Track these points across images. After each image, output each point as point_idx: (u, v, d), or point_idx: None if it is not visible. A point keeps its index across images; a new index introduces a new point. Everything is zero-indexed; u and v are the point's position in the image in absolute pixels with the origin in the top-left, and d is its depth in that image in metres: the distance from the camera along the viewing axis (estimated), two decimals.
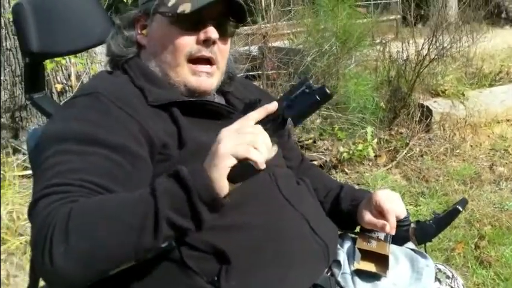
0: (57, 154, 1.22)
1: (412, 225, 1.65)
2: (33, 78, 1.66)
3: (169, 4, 1.40)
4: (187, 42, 1.41)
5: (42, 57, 1.65)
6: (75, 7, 1.69)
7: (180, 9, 1.37)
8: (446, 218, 1.67)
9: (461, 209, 1.65)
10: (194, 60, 1.42)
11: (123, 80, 1.43)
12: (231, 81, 1.59)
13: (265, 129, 1.16)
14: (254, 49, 5.85)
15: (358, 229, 1.68)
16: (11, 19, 4.29)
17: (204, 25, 1.41)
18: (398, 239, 1.63)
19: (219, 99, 1.56)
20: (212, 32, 1.41)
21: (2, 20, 4.61)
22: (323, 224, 1.50)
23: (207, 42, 1.41)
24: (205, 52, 1.42)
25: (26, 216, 3.30)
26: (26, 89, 1.67)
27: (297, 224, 1.40)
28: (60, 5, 1.68)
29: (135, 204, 1.12)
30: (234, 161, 1.09)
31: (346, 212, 1.65)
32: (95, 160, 1.21)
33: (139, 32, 1.48)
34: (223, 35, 1.45)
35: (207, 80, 1.44)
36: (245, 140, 1.11)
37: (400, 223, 1.60)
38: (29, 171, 3.86)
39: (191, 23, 1.40)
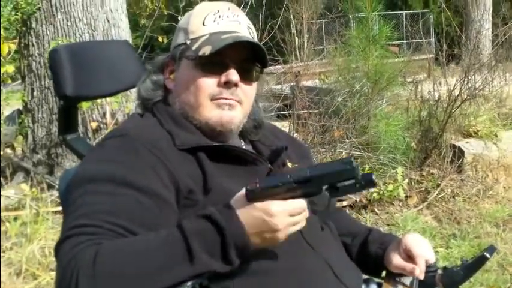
0: (86, 194, 1.25)
1: (439, 271, 1.62)
2: (67, 120, 1.70)
3: (194, 48, 1.45)
4: (209, 84, 1.44)
5: (76, 101, 1.70)
6: (109, 53, 1.75)
7: (201, 52, 1.42)
8: (473, 265, 1.64)
9: (489, 257, 1.63)
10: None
11: (153, 122, 1.46)
12: (257, 129, 1.60)
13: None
14: (286, 88, 5.91)
15: (383, 274, 1.67)
16: None
17: (225, 68, 1.44)
18: (425, 285, 1.61)
19: (247, 147, 1.58)
20: (233, 75, 1.43)
21: (42, 60, 4.77)
22: (347, 270, 1.49)
23: (228, 85, 1.44)
24: (226, 94, 1.44)
25: None
26: (60, 131, 1.71)
27: (320, 270, 1.40)
28: (95, 51, 1.75)
29: (164, 243, 1.15)
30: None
31: (374, 255, 1.64)
32: (124, 202, 1.24)
33: (167, 76, 1.52)
34: (246, 78, 1.48)
35: (229, 113, 1.46)
36: (292, 228, 1.21)
37: (427, 269, 1.59)
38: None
39: (213, 65, 1.44)
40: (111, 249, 1.14)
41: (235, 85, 1.44)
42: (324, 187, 1.23)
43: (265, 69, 1.55)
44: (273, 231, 1.18)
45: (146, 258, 1.13)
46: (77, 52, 1.65)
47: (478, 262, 1.64)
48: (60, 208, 3.99)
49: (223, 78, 1.43)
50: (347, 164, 1.22)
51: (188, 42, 1.47)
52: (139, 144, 1.33)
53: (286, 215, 1.19)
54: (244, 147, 1.56)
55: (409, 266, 1.52)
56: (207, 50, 1.40)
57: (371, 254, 1.65)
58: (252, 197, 1.19)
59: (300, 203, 1.22)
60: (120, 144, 1.34)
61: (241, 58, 1.46)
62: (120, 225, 1.20)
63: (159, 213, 1.26)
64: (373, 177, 1.25)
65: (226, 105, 1.45)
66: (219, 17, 1.48)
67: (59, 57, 1.58)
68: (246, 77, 1.47)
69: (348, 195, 1.36)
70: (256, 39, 1.53)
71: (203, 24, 1.47)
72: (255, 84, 1.52)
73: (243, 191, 1.22)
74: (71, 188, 1.32)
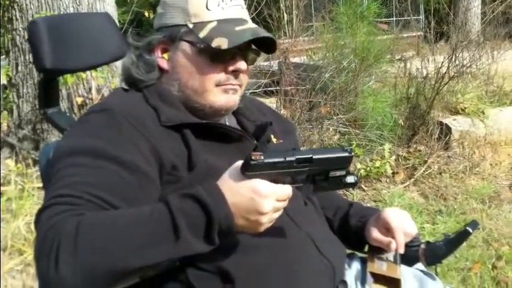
0: (67, 167, 1.25)
1: (422, 246, 1.63)
2: (47, 94, 1.68)
3: (201, 35, 1.41)
4: (217, 72, 1.43)
5: (56, 74, 1.68)
6: (89, 25, 1.72)
7: (215, 44, 1.38)
8: (456, 240, 1.66)
9: (471, 231, 1.64)
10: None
11: (137, 98, 1.44)
12: (241, 99, 1.60)
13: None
14: (274, 64, 5.88)
15: (366, 249, 1.68)
16: None
17: (234, 57, 1.43)
18: (408, 260, 1.62)
19: (230, 120, 1.57)
20: (241, 64, 1.44)
21: (26, 34, 4.70)
22: (330, 244, 1.49)
23: (236, 73, 1.45)
24: (233, 81, 1.45)
25: None
26: (40, 105, 1.70)
27: (303, 244, 1.40)
28: (75, 23, 1.71)
29: (149, 219, 1.14)
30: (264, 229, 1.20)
31: (355, 229, 1.65)
32: (105, 175, 1.23)
33: (159, 55, 1.48)
34: (248, 63, 1.48)
35: (233, 97, 1.47)
36: (275, 215, 1.21)
37: (410, 243, 1.59)
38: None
39: (222, 55, 1.42)
40: (94, 221, 1.13)
41: (241, 72, 1.45)
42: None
43: None
44: (258, 213, 1.17)
45: (130, 232, 1.12)
46: (56, 24, 1.63)
47: (461, 237, 1.66)
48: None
49: (231, 67, 1.43)
50: (347, 152, 1.27)
51: (190, 25, 1.43)
52: (123, 119, 1.32)
53: (274, 198, 1.18)
54: (227, 122, 1.55)
55: (386, 239, 1.54)
56: (223, 44, 1.38)
57: (351, 227, 1.66)
58: (252, 168, 1.17)
59: (287, 190, 1.21)
60: (103, 119, 1.33)
61: (247, 46, 1.45)
62: (100, 197, 1.19)
63: (140, 188, 1.26)
64: (355, 180, 1.33)
65: (231, 89, 1.46)
66: (222, 0, 1.44)
67: (38, 29, 1.55)
68: (248, 62, 1.48)
69: (326, 190, 1.39)
70: None
71: (207, 8, 1.43)
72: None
73: (235, 165, 1.20)
74: (52, 162, 1.32)
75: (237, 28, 1.41)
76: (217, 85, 1.44)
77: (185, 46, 1.44)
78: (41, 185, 3.86)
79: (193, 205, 1.14)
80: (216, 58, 1.42)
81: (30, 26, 1.57)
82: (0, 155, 4.57)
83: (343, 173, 1.30)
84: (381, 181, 4.65)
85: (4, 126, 5.05)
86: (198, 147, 1.37)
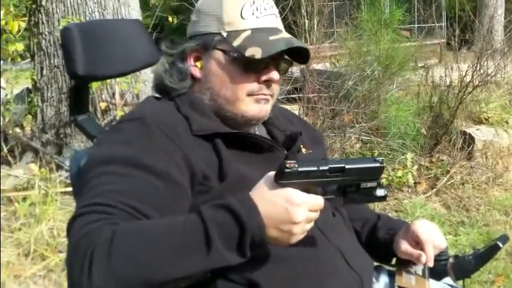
0: (101, 175, 1.25)
1: (451, 260, 1.61)
2: (78, 100, 1.68)
3: (235, 44, 1.41)
4: (249, 81, 1.43)
5: (88, 80, 1.68)
6: (121, 32, 1.72)
7: (248, 53, 1.38)
8: (486, 254, 1.63)
9: (501, 246, 1.62)
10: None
11: (169, 106, 1.44)
12: (272, 109, 1.60)
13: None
14: (296, 71, 5.87)
15: (394, 261, 1.66)
16: (59, 38, 4.43)
17: (267, 67, 1.43)
18: (436, 274, 1.60)
19: (260, 130, 1.57)
20: (274, 74, 1.44)
21: (52, 38, 4.75)
22: (358, 257, 1.48)
23: (268, 83, 1.44)
24: (265, 91, 1.45)
25: (66, 233, 3.37)
26: (71, 111, 1.69)
27: (332, 257, 1.39)
28: (107, 30, 1.71)
29: (182, 230, 1.13)
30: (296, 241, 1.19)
31: (383, 241, 1.63)
32: (138, 184, 1.23)
33: (192, 63, 1.48)
34: (280, 73, 1.48)
35: (265, 106, 1.47)
36: (308, 226, 1.20)
37: (438, 257, 1.57)
38: (71, 188, 3.92)
39: (255, 65, 1.42)
40: (128, 230, 1.13)
41: (273, 82, 1.45)
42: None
43: None
44: (291, 223, 1.15)
45: (163, 242, 1.11)
46: (89, 31, 1.63)
47: (491, 251, 1.63)
48: (69, 189, 3.99)
49: (264, 77, 1.43)
50: (378, 162, 1.26)
51: (224, 34, 1.43)
52: (156, 128, 1.32)
53: (307, 208, 1.17)
54: (257, 131, 1.55)
55: (415, 252, 1.52)
56: (256, 53, 1.37)
57: (380, 239, 1.64)
58: (286, 177, 1.16)
59: (320, 200, 1.20)
60: (136, 127, 1.33)
61: (280, 55, 1.45)
62: (133, 206, 1.19)
63: (173, 197, 1.26)
64: (385, 193, 1.33)
65: (263, 100, 1.45)
66: (257, 9, 1.44)
67: (71, 35, 1.55)
68: (280, 71, 1.47)
69: (356, 203, 1.40)
70: None
71: (241, 17, 1.43)
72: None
73: (268, 175, 1.20)
74: (85, 170, 1.32)
75: (271, 37, 1.41)
76: (250, 95, 1.43)
77: (218, 55, 1.44)
78: (64, 190, 3.93)
79: (226, 216, 1.14)
80: (249, 67, 1.42)
81: (63, 32, 1.57)
82: (24, 159, 4.62)
83: (374, 184, 1.29)
84: (402, 191, 4.62)
85: (28, 130, 5.10)
86: (229, 156, 1.37)
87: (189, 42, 1.48)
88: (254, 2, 1.44)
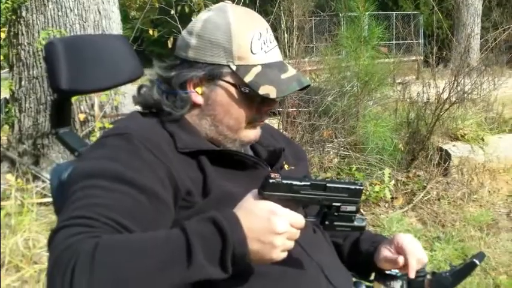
0: (84, 189, 1.25)
1: (428, 276, 1.63)
2: (60, 114, 1.67)
3: (247, 80, 1.41)
4: (252, 112, 1.46)
5: (70, 94, 1.68)
6: (105, 47, 1.72)
7: (262, 91, 1.39)
8: (463, 271, 1.65)
9: (478, 263, 1.64)
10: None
11: (154, 122, 1.45)
12: None
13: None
14: None
15: (372, 277, 1.68)
16: (39, 48, 4.41)
17: (271, 100, 1.46)
18: None
19: (245, 148, 1.58)
20: (276, 105, 1.51)
21: (31, 49, 4.73)
22: (338, 273, 1.50)
23: (268, 112, 1.50)
24: (264, 118, 1.51)
25: (41, 244, 3.34)
26: (52, 124, 1.68)
27: (313, 273, 1.40)
28: (91, 44, 1.71)
29: (164, 243, 1.14)
30: (278, 258, 1.19)
31: (366, 254, 1.64)
32: (121, 198, 1.24)
33: (192, 89, 1.46)
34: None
35: (259, 130, 1.52)
36: (288, 243, 1.20)
37: (417, 273, 1.59)
38: (48, 199, 3.89)
39: (262, 99, 1.45)
40: (111, 244, 1.13)
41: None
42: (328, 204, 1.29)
43: None
44: (272, 233, 1.16)
45: (146, 256, 1.12)
46: (73, 45, 1.63)
47: (468, 268, 1.66)
48: (45, 200, 3.97)
49: (266, 108, 1.48)
50: (358, 185, 1.30)
51: (233, 67, 1.42)
52: (140, 143, 1.32)
53: (288, 221, 1.19)
54: (242, 148, 1.56)
55: (395, 256, 1.52)
56: (271, 92, 1.39)
57: (362, 252, 1.65)
58: (270, 188, 1.19)
59: (301, 218, 1.22)
60: (121, 142, 1.33)
61: None
62: (116, 220, 1.19)
63: (156, 212, 1.26)
64: (365, 224, 1.36)
65: (259, 125, 1.51)
66: (264, 42, 1.44)
67: (55, 50, 1.55)
68: None
69: (335, 229, 1.42)
70: None
71: (251, 52, 1.42)
72: None
73: (253, 191, 1.22)
74: (68, 183, 1.32)
75: (283, 76, 1.43)
76: (249, 122, 1.47)
77: (226, 86, 1.43)
78: (40, 200, 3.89)
79: (208, 228, 1.14)
80: (255, 101, 1.45)
81: (47, 46, 1.57)
82: (0, 169, 4.57)
83: (353, 208, 1.31)
84: (379, 206, 4.66)
85: (4, 140, 5.05)
86: (214, 173, 1.38)
87: (193, 70, 1.44)
88: (261, 35, 1.44)
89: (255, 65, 1.42)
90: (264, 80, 1.40)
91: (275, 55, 1.47)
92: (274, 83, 1.40)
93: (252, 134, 1.49)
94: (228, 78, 1.43)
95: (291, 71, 1.46)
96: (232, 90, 1.43)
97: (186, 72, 1.44)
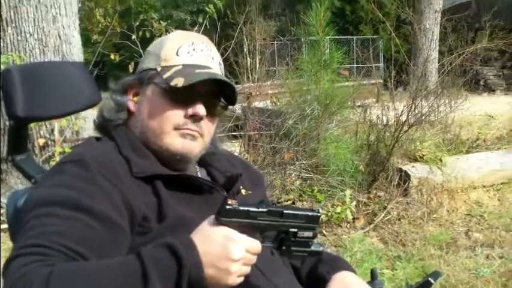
0: (39, 217, 1.24)
1: None
2: (17, 140, 1.66)
3: (165, 76, 1.46)
4: (176, 115, 1.46)
5: (27, 121, 1.67)
6: (62, 73, 1.72)
7: (173, 83, 1.43)
8: None
9: (433, 282, 1.68)
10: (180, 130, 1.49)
11: (110, 147, 1.46)
12: (212, 155, 1.63)
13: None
14: (238, 108, 5.94)
15: None
16: None
17: (193, 101, 1.47)
18: None
19: (201, 172, 1.60)
20: (200, 109, 1.47)
21: None
22: None
23: (194, 117, 1.47)
24: (191, 126, 1.47)
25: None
26: (9, 151, 1.67)
27: None
28: (48, 71, 1.71)
29: (120, 270, 1.14)
30: (234, 283, 1.20)
31: (322, 278, 1.66)
32: (76, 226, 1.23)
33: (130, 98, 1.53)
34: (211, 114, 1.51)
35: (190, 142, 1.48)
36: (244, 269, 1.21)
37: None
38: (5, 225, 3.82)
39: (182, 97, 1.46)
40: (65, 272, 1.12)
41: (200, 118, 1.48)
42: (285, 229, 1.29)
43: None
44: (228, 259, 1.18)
45: (101, 283, 1.12)
46: (30, 72, 1.62)
47: (423, 287, 1.70)
48: (4, 226, 3.89)
49: (190, 111, 1.46)
50: (316, 211, 1.32)
51: (159, 69, 1.49)
52: (96, 170, 1.33)
53: (244, 248, 1.20)
54: (199, 173, 1.58)
55: None
56: (179, 82, 1.42)
57: (319, 275, 1.67)
58: (226, 214, 1.20)
59: (257, 244, 1.23)
60: (76, 169, 1.34)
61: (210, 93, 1.49)
62: (71, 248, 1.19)
63: (112, 240, 1.26)
64: (321, 249, 1.37)
65: (189, 135, 1.48)
66: (193, 49, 1.51)
67: (11, 77, 1.54)
68: (211, 111, 1.51)
69: (292, 255, 1.44)
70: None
71: (177, 54, 1.49)
72: (217, 119, 1.56)
73: (211, 217, 1.22)
74: (24, 210, 1.31)
75: (197, 71, 1.47)
76: (176, 129, 1.47)
77: (152, 88, 1.49)
78: (4, 226, 3.81)
79: (164, 253, 1.15)
80: (176, 100, 1.46)
81: (4, 73, 1.56)
82: None
83: (310, 234, 1.32)
84: (341, 226, 4.71)
85: None
86: (169, 198, 1.39)
87: (129, 77, 1.54)
88: (193, 43, 1.52)
89: (177, 65, 1.48)
90: (178, 75, 1.45)
91: (202, 59, 1.51)
92: (186, 75, 1.44)
93: (179, 143, 1.47)
94: (154, 80, 1.48)
95: (211, 70, 1.50)
96: (155, 90, 1.48)
97: (122, 80, 1.53)
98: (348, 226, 4.71)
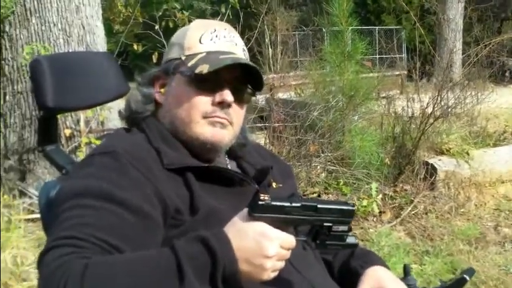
0: (72, 208, 1.23)
1: None
2: (46, 131, 1.65)
3: (189, 64, 1.44)
4: (203, 102, 1.44)
5: (57, 112, 1.65)
6: (90, 64, 1.71)
7: (198, 70, 1.41)
8: (453, 287, 1.65)
9: (468, 279, 1.64)
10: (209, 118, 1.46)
11: (141, 139, 1.44)
12: (242, 147, 1.60)
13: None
14: (261, 99, 5.91)
15: None
16: (23, 63, 4.38)
17: (220, 88, 1.44)
18: None
19: (231, 164, 1.57)
20: (227, 95, 1.44)
21: (15, 64, 4.69)
22: None
23: (222, 104, 1.44)
24: (220, 113, 1.45)
25: (29, 261, 3.28)
26: (39, 141, 1.66)
27: None
28: (76, 62, 1.70)
29: (155, 263, 1.13)
30: (267, 279, 1.18)
31: (355, 272, 1.62)
32: (110, 218, 1.22)
33: (157, 89, 1.51)
34: (239, 100, 1.48)
35: (220, 131, 1.46)
36: (279, 264, 1.20)
37: None
38: (35, 215, 3.84)
39: (208, 84, 1.43)
40: (101, 264, 1.11)
41: (229, 105, 1.44)
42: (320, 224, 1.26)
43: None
44: (263, 257, 1.16)
45: (136, 276, 1.10)
46: (58, 63, 1.61)
47: (458, 284, 1.65)
48: (33, 216, 3.91)
49: (217, 98, 1.44)
50: (351, 206, 1.29)
51: (183, 57, 1.47)
52: (127, 161, 1.31)
53: (279, 243, 1.17)
54: (229, 165, 1.55)
55: None
56: (204, 69, 1.40)
57: (352, 269, 1.63)
58: (259, 209, 1.17)
59: (292, 239, 1.21)
60: (108, 161, 1.32)
61: (236, 79, 1.46)
62: (105, 240, 1.18)
63: (145, 231, 1.25)
64: (356, 241, 1.35)
65: (218, 123, 1.45)
66: (216, 36, 1.48)
67: (41, 67, 1.53)
68: (239, 98, 1.48)
69: (327, 248, 1.42)
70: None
71: (200, 42, 1.47)
72: (245, 106, 1.53)
73: (244, 210, 1.20)
74: (57, 202, 1.30)
75: (221, 56, 1.44)
76: (204, 117, 1.44)
77: (178, 78, 1.47)
78: (27, 217, 3.84)
79: (199, 248, 1.14)
80: (203, 88, 1.44)
81: (33, 64, 1.55)
82: None
83: (345, 228, 1.30)
84: (367, 220, 4.66)
85: None
86: (200, 190, 1.36)
87: (155, 69, 1.53)
88: (215, 30, 1.50)
89: (200, 53, 1.46)
90: (202, 62, 1.43)
91: (226, 46, 1.49)
92: (210, 62, 1.42)
93: (209, 132, 1.44)
94: (180, 69, 1.46)
95: (234, 55, 1.47)
96: (182, 80, 1.46)
97: (148, 72, 1.52)
98: (375, 220, 4.66)
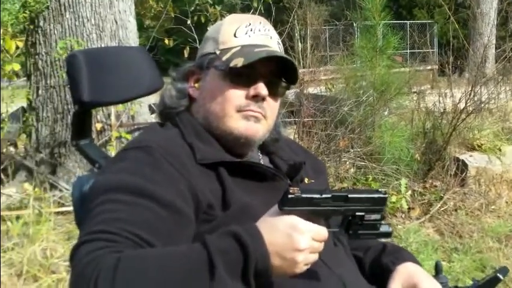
0: (106, 203, 1.25)
1: None
2: (81, 125, 1.68)
3: (224, 58, 1.45)
4: (238, 96, 1.44)
5: (92, 106, 1.68)
6: (126, 58, 1.73)
7: (232, 63, 1.42)
8: (486, 286, 1.63)
9: (502, 278, 1.62)
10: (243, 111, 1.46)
11: (174, 134, 1.45)
12: (275, 142, 1.60)
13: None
14: (291, 94, 5.89)
15: None
16: (56, 58, 4.44)
17: (255, 81, 1.44)
18: None
19: (264, 159, 1.58)
20: (262, 89, 1.44)
21: (49, 59, 4.76)
22: (359, 287, 1.48)
23: (257, 98, 1.45)
24: (254, 107, 1.45)
25: (59, 254, 3.34)
26: (73, 136, 1.69)
27: (334, 287, 1.39)
28: (112, 57, 1.72)
29: (186, 258, 1.13)
30: (300, 272, 1.18)
31: (385, 267, 1.62)
32: (143, 213, 1.23)
33: (192, 85, 1.52)
34: (274, 94, 1.48)
35: (254, 125, 1.46)
36: (311, 257, 1.19)
37: None
38: (65, 208, 3.91)
39: (243, 78, 1.44)
40: (133, 258, 1.13)
41: (263, 99, 1.45)
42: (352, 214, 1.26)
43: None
44: (294, 250, 1.16)
45: (168, 271, 1.11)
46: (94, 57, 1.63)
47: (491, 283, 1.63)
48: (63, 209, 3.98)
49: (252, 91, 1.44)
50: (382, 193, 1.26)
51: (218, 52, 1.47)
52: (161, 156, 1.32)
53: (311, 236, 1.17)
54: (262, 160, 1.55)
55: None
56: (239, 62, 1.40)
57: (383, 265, 1.62)
58: (289, 203, 1.18)
59: (324, 231, 1.21)
60: (142, 155, 1.33)
61: (271, 73, 1.46)
62: (138, 235, 1.19)
63: (177, 226, 1.26)
64: (390, 229, 1.32)
65: (253, 117, 1.45)
66: (251, 30, 1.49)
67: (77, 62, 1.55)
68: (273, 91, 1.48)
69: (360, 237, 1.39)
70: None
71: (234, 36, 1.48)
72: (279, 100, 1.53)
73: (274, 207, 1.20)
74: (90, 196, 1.32)
75: (256, 50, 1.44)
76: (238, 111, 1.45)
77: (213, 72, 1.48)
78: (58, 210, 3.90)
79: (230, 243, 1.14)
80: (238, 82, 1.44)
81: (69, 58, 1.58)
82: (17, 178, 4.60)
83: (378, 217, 1.28)
84: (396, 216, 4.63)
85: (22, 149, 5.08)
86: (233, 185, 1.37)
87: (189, 64, 1.54)
88: (250, 24, 1.50)
89: (235, 46, 1.46)
90: (237, 55, 1.43)
91: (260, 39, 1.48)
92: (245, 55, 1.42)
93: (243, 126, 1.44)
94: (214, 64, 1.47)
95: (269, 48, 1.46)
96: (216, 74, 1.46)
97: (182, 67, 1.53)
98: (403, 216, 4.63)
